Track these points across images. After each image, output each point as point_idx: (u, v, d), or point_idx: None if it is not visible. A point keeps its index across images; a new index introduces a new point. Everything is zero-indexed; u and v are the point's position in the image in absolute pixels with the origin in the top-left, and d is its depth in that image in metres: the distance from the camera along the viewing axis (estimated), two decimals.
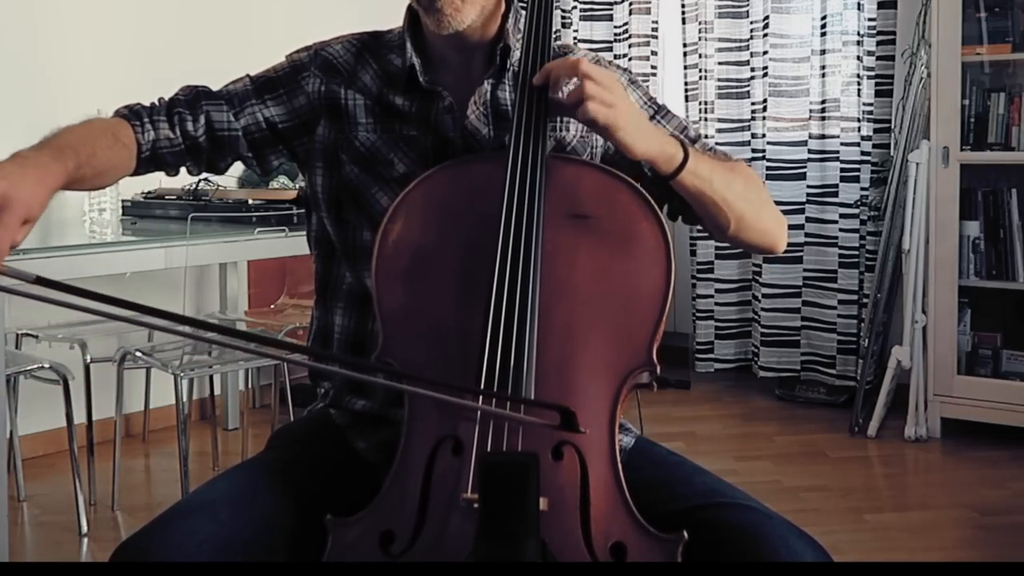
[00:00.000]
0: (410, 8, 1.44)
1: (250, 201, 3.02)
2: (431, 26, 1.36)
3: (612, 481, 1.14)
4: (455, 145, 1.39)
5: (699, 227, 1.42)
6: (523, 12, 1.39)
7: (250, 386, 3.93)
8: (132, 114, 1.39)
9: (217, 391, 3.62)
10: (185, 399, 2.93)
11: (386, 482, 1.16)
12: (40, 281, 1.05)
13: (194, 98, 1.43)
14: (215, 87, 1.46)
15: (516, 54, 1.39)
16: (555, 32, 2.10)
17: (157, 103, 1.43)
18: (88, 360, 3.01)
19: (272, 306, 3.81)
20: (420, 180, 1.30)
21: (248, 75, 1.47)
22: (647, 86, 1.49)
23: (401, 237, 1.27)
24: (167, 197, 3.14)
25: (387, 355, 1.22)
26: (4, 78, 3.32)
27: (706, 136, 4.34)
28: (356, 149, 1.41)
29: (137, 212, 3.15)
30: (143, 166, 1.38)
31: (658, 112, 1.47)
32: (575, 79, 1.23)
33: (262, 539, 1.17)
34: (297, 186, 3.12)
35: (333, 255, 1.46)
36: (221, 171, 1.50)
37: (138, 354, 2.98)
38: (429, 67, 1.41)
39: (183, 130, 1.40)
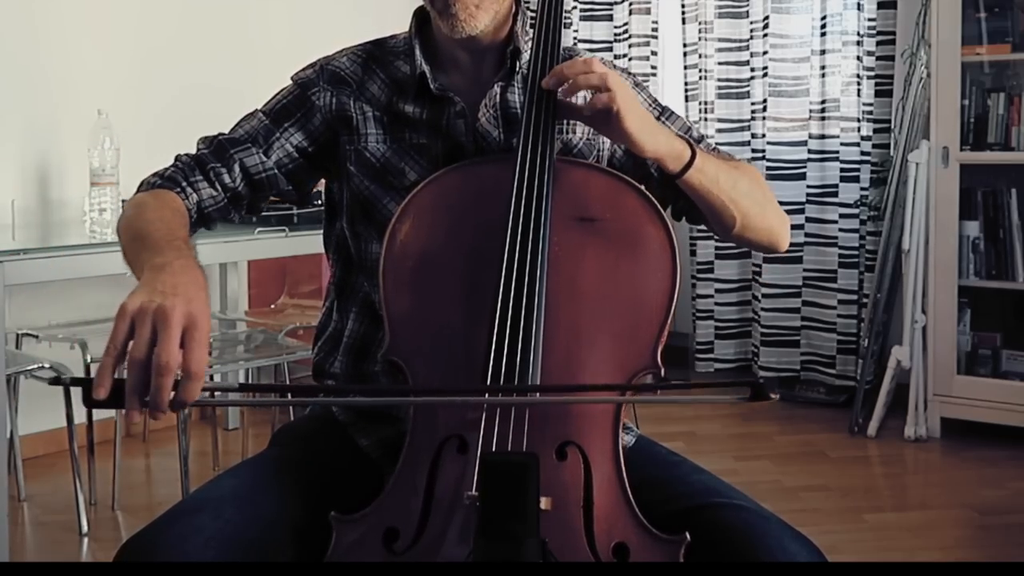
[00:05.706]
0: (416, 13, 1.45)
1: None
2: (444, 30, 1.36)
3: (616, 482, 1.14)
4: (466, 150, 1.39)
5: (701, 227, 1.43)
6: (530, 15, 1.39)
7: None
8: (167, 181, 1.35)
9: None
10: None
11: (391, 479, 1.16)
12: (244, 387, 1.05)
13: (220, 149, 1.39)
14: (226, 130, 1.43)
15: (525, 56, 1.40)
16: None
17: (182, 163, 1.38)
18: (88, 360, 3.00)
19: (272, 306, 3.81)
20: (428, 181, 1.31)
21: (258, 109, 1.45)
22: (647, 86, 1.50)
23: (409, 237, 1.27)
24: None
25: (393, 353, 1.22)
26: (4, 78, 3.32)
27: (707, 136, 4.34)
28: (367, 160, 1.40)
29: None
30: (192, 229, 1.33)
31: (662, 114, 1.48)
32: (595, 83, 1.23)
33: (268, 537, 1.18)
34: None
35: (351, 263, 1.46)
36: (261, 211, 1.47)
37: None
38: (438, 71, 1.41)
39: (222, 184, 1.37)
